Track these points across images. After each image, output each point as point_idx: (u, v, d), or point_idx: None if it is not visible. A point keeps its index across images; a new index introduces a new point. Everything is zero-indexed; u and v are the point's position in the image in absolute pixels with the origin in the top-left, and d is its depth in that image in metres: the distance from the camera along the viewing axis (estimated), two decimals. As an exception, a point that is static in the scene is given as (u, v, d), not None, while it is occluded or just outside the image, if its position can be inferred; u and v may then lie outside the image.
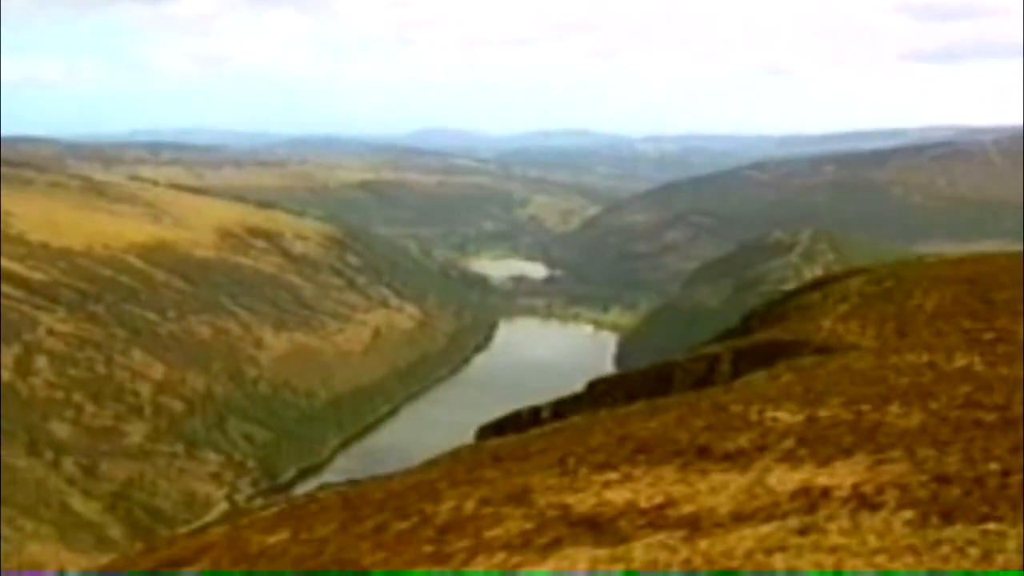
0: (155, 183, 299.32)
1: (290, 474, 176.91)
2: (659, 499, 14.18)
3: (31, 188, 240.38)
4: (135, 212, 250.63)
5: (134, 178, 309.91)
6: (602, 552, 12.22)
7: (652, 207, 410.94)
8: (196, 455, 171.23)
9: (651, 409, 21.38)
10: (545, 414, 34.97)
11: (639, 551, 12.11)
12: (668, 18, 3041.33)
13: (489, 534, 13.71)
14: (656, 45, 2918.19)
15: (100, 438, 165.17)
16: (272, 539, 16.10)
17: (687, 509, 13.57)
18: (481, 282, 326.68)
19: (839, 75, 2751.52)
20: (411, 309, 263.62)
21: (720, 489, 14.42)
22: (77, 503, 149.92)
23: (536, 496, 15.12)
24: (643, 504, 13.99)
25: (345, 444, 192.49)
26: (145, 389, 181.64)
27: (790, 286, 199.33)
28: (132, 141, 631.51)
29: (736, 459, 15.84)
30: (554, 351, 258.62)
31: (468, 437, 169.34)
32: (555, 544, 12.76)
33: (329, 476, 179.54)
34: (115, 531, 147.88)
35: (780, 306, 43.39)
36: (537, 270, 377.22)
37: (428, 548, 13.54)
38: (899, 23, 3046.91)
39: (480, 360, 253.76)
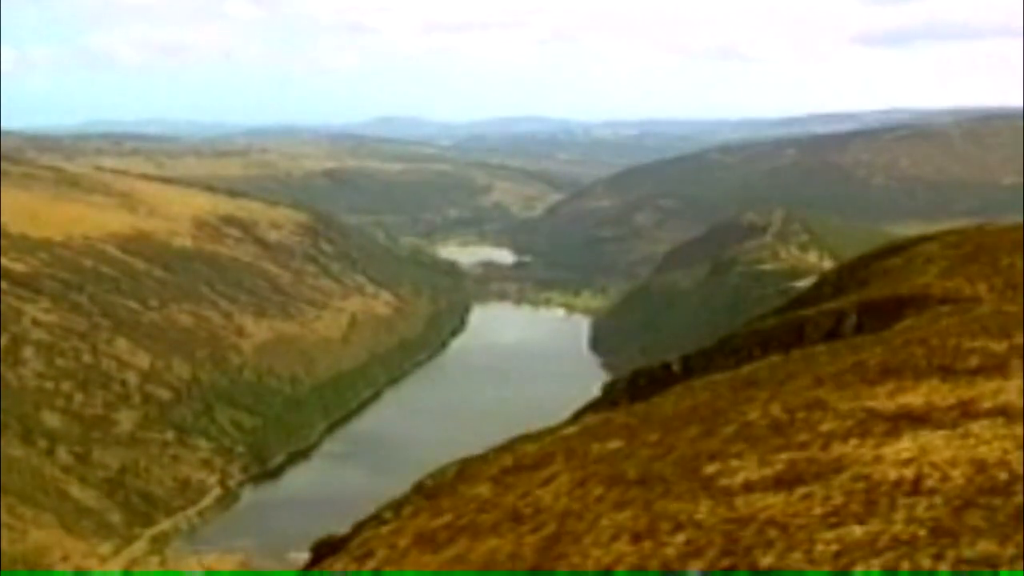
0: (125, 173, 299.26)
1: (279, 459, 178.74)
2: (951, 400, 16.43)
3: (6, 180, 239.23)
4: (110, 203, 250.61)
5: (101, 169, 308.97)
6: (946, 432, 14.57)
7: (616, 191, 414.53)
8: (187, 442, 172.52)
9: (848, 347, 23.69)
10: (676, 368, 37.26)
11: (977, 430, 14.43)
12: (622, 3, 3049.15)
13: (823, 428, 15.96)
14: (610, 31, 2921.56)
15: (91, 427, 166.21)
16: (611, 445, 18.17)
17: (988, 405, 15.75)
18: (451, 268, 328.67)
19: (792, 59, 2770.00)
20: (386, 295, 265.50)
21: (1003, 391, 16.58)
22: (75, 490, 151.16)
23: (833, 403, 17.35)
24: (940, 404, 16.29)
25: (331, 429, 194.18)
26: (132, 378, 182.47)
27: (768, 267, 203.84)
28: (92, 132, 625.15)
29: (987, 372, 18.11)
30: (529, 334, 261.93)
31: (457, 419, 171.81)
32: (894, 431, 14.99)
33: (318, 460, 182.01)
34: (114, 517, 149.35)
35: (862, 270, 45.95)
36: (505, 256, 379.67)
37: (777, 440, 15.73)
38: (849, 6, 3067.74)
39: (457, 344, 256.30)
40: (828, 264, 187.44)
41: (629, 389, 38.47)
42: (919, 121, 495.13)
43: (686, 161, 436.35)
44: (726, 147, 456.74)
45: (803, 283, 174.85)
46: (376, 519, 24.09)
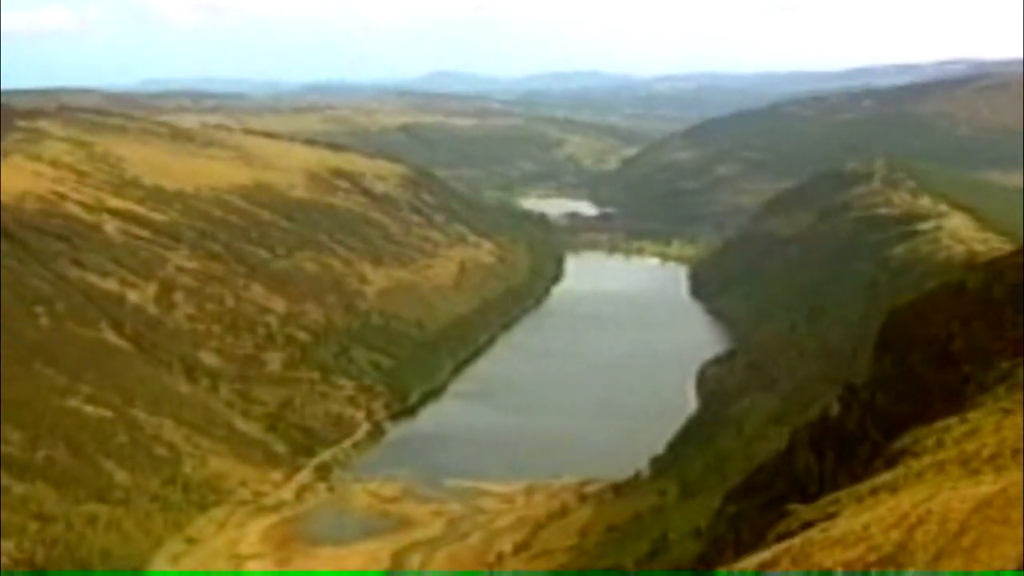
0: (230, 129, 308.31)
1: (416, 397, 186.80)
2: None
3: (128, 135, 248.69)
4: (227, 156, 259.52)
5: (207, 125, 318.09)
6: None
7: (693, 144, 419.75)
8: (331, 381, 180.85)
9: None
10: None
11: None
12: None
13: None
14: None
15: (245, 366, 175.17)
16: None
17: None
18: (540, 219, 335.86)
19: (844, 9, 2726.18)
20: (488, 245, 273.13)
21: None
22: (240, 424, 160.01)
23: None
24: None
25: (457, 370, 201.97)
26: (273, 321, 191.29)
27: (883, 211, 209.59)
28: (154, 91, 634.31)
29: None
30: (628, 282, 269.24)
31: (574, 362, 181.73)
32: None
33: (449, 399, 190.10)
34: (279, 447, 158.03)
35: None
36: (586, 208, 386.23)
37: None
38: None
39: (559, 291, 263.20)
40: (943, 208, 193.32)
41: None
42: (982, 72, 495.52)
43: (762, 114, 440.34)
44: (800, 99, 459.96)
45: (927, 225, 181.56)
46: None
